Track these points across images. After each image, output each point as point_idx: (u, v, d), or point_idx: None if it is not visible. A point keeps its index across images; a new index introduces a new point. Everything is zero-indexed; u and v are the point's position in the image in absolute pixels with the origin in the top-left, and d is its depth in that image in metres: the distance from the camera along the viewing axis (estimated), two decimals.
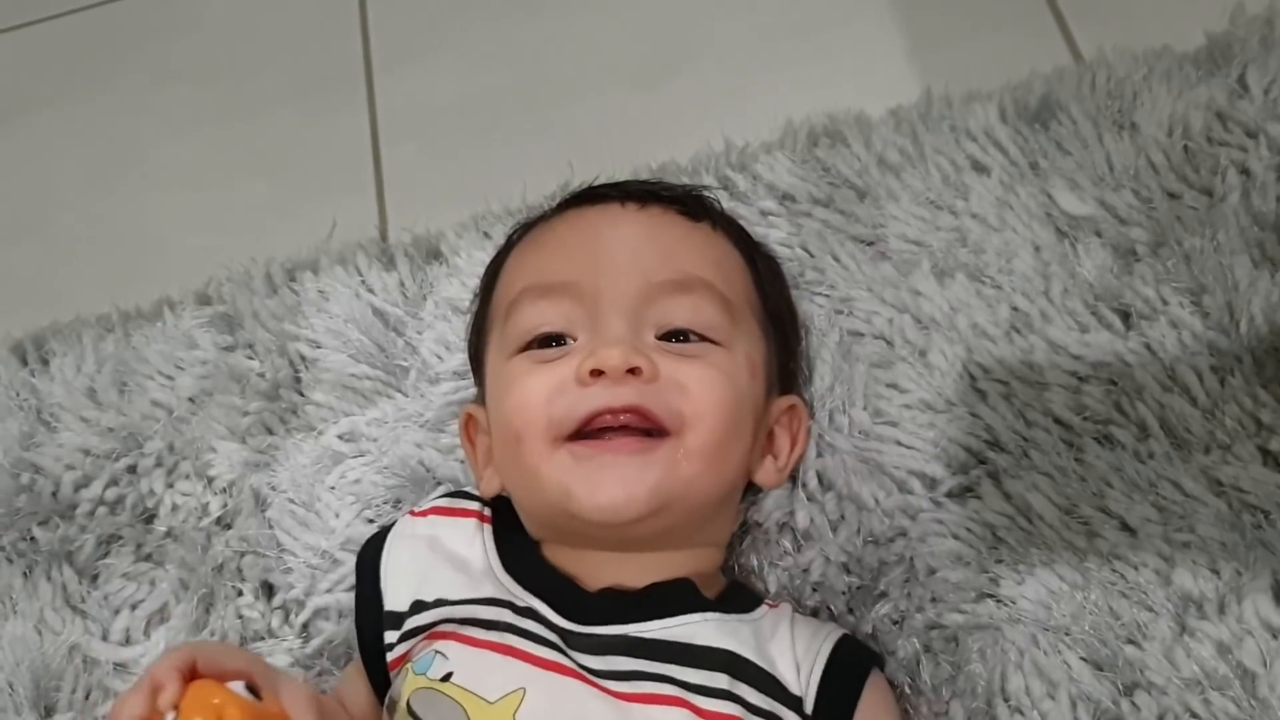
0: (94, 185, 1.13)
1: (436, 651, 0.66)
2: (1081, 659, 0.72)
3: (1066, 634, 0.72)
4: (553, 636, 0.66)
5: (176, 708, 0.56)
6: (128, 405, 0.92)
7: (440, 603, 0.69)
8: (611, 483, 0.65)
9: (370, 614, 0.72)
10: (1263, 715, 0.67)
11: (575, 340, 0.70)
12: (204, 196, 1.11)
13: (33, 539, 0.88)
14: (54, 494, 0.89)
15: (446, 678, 0.65)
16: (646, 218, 0.76)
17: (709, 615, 0.67)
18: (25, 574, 0.87)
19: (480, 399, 0.80)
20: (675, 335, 0.71)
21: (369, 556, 0.74)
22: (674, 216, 0.77)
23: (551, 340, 0.71)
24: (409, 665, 0.67)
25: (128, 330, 0.97)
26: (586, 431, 0.67)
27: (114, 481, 0.89)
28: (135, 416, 0.91)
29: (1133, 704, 0.69)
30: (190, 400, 0.92)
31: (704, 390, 0.68)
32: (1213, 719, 0.68)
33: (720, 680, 0.64)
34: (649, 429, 0.67)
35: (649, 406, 0.67)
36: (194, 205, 1.11)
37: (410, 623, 0.69)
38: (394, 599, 0.71)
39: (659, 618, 0.66)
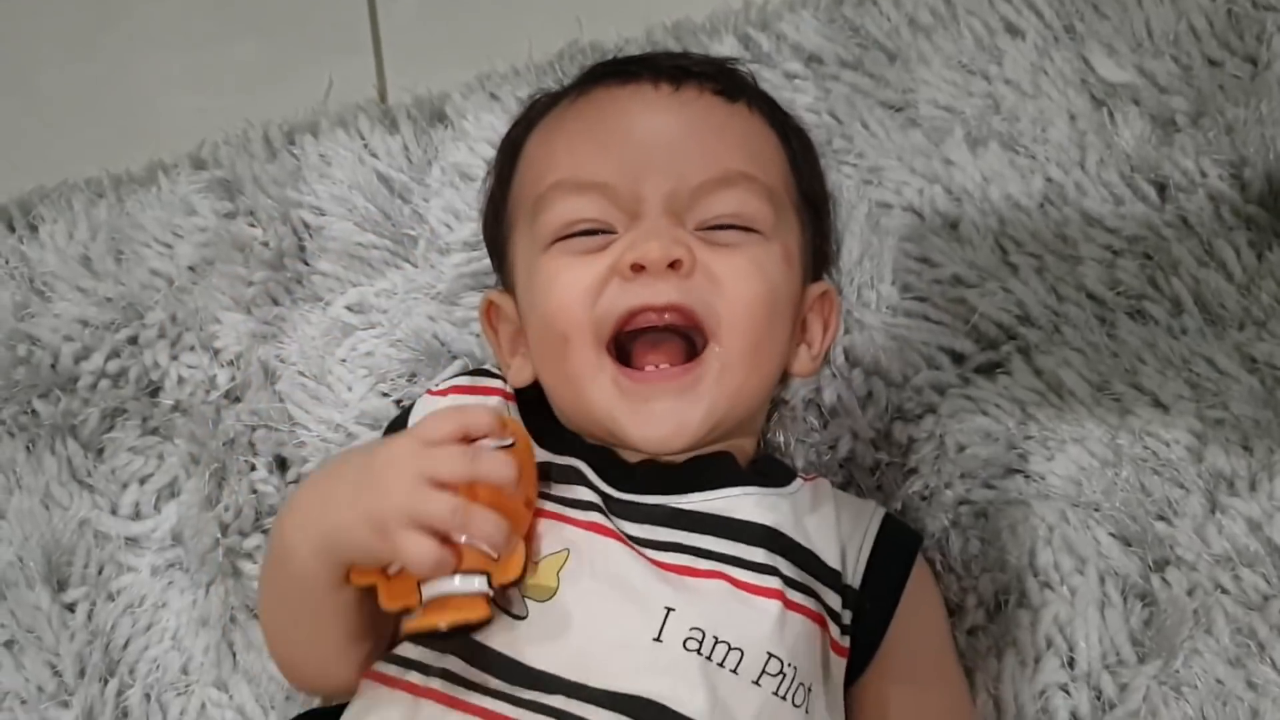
0: (75, 43, 1.08)
1: None
2: (1111, 535, 0.72)
3: (1096, 510, 0.73)
4: (595, 499, 0.65)
5: None
6: (125, 274, 0.89)
7: None
8: (662, 417, 0.65)
9: None
10: None
11: (614, 233, 0.67)
12: (191, 55, 1.06)
13: (34, 412, 0.86)
14: (53, 366, 0.87)
15: None
16: (680, 105, 0.71)
17: (749, 490, 0.66)
18: (28, 448, 0.85)
19: (502, 286, 0.77)
20: (715, 224, 0.68)
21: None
22: (710, 100, 0.72)
23: (588, 233, 0.68)
24: None
25: (120, 195, 0.93)
26: (628, 332, 0.65)
27: (115, 353, 0.87)
28: (134, 286, 0.89)
29: (1163, 580, 0.70)
30: (190, 269, 0.89)
31: (738, 284, 0.66)
32: (1242, 594, 0.69)
33: (758, 555, 0.63)
34: (688, 330, 0.66)
35: (688, 304, 0.65)
36: (181, 64, 1.05)
37: None
38: None
39: (699, 490, 0.66)
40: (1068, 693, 0.69)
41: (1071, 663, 0.70)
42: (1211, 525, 0.71)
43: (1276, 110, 0.79)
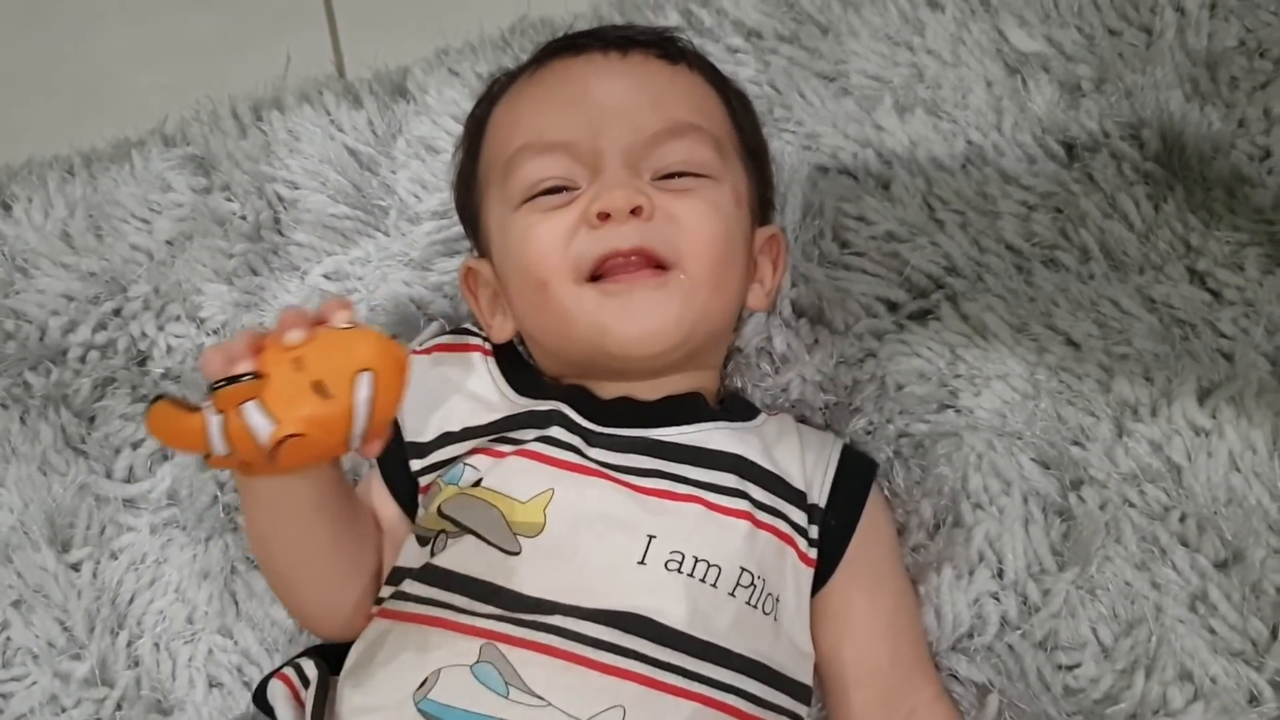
0: (31, 17, 1.09)
1: (465, 464, 0.72)
2: (1032, 459, 0.80)
3: (1019, 438, 0.80)
4: (575, 440, 0.71)
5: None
6: (106, 250, 0.92)
7: (468, 432, 0.74)
8: (641, 317, 0.71)
9: (391, 449, 0.75)
10: (1188, 502, 0.77)
11: (578, 189, 0.74)
12: (148, 30, 1.08)
13: (26, 385, 0.90)
14: (41, 339, 0.90)
15: (476, 484, 0.71)
16: (630, 67, 0.79)
17: (719, 424, 0.74)
18: (22, 419, 0.89)
19: (478, 252, 0.83)
20: (669, 175, 0.75)
21: None
22: (654, 62, 0.79)
23: (554, 190, 0.74)
24: (439, 480, 0.73)
25: (92, 173, 0.96)
26: (601, 273, 0.72)
27: (102, 325, 0.91)
28: (116, 260, 0.92)
29: (1079, 497, 0.78)
30: (169, 243, 0.93)
31: (695, 221, 0.73)
32: (1147, 507, 0.77)
33: (729, 480, 0.71)
34: (655, 264, 0.72)
35: (650, 246, 0.72)
36: (138, 39, 1.08)
37: (441, 454, 0.74)
38: (414, 430, 0.75)
39: (673, 425, 0.73)
40: (998, 599, 0.76)
41: (1001, 573, 0.76)
42: (1119, 448, 0.78)
43: (1169, 76, 0.88)
